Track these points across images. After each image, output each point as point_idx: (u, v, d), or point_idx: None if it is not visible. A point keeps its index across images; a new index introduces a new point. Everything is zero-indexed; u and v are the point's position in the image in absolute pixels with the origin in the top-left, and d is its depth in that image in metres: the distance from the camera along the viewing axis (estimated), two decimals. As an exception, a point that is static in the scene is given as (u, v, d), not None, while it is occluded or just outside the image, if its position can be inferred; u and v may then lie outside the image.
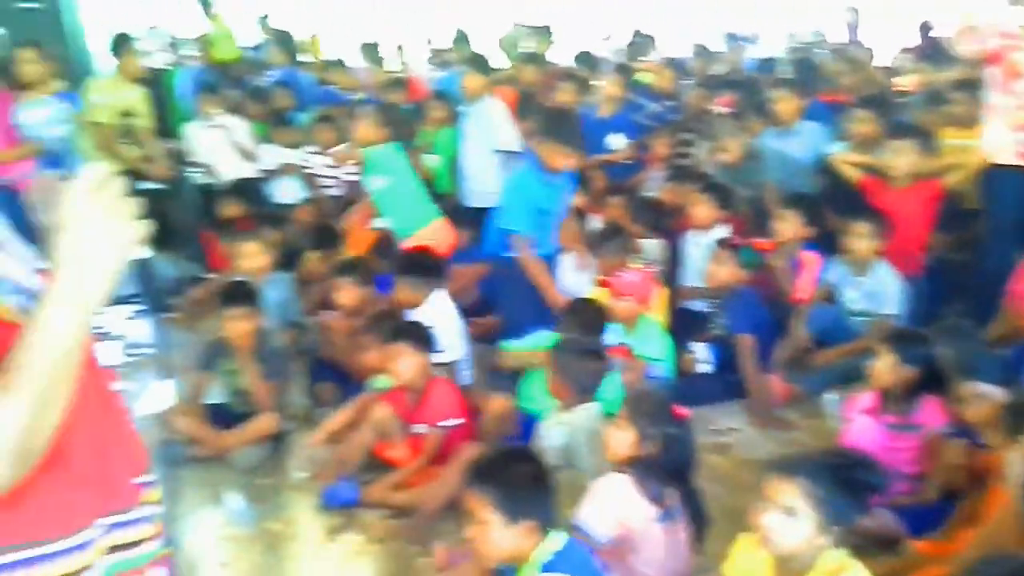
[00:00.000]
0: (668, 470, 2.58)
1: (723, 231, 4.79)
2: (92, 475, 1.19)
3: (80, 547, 1.15)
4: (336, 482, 3.43)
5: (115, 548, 1.21)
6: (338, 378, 4.25)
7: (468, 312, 4.63)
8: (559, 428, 3.32)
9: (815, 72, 7.13)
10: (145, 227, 1.11)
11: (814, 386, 4.11)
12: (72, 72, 6.65)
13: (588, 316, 3.89)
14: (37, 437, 1.04)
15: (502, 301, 4.73)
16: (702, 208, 4.87)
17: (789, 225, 4.56)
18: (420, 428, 3.48)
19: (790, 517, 2.09)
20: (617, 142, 6.10)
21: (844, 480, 2.11)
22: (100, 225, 1.07)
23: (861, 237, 4.34)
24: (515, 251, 4.29)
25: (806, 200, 4.74)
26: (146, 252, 1.14)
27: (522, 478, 2.27)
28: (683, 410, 2.69)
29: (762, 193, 5.33)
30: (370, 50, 9.20)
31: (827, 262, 4.52)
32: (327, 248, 5.28)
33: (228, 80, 8.03)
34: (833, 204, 4.82)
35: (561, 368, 3.37)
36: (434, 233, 4.99)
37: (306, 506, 3.44)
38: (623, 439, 2.62)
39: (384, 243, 5.05)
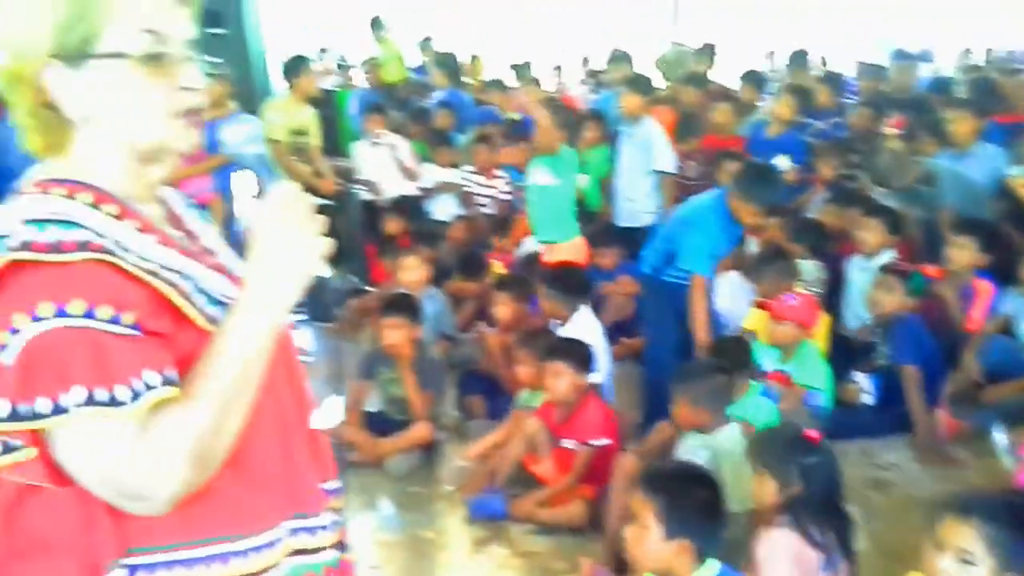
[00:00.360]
0: (817, 502, 2.49)
1: (889, 256, 4.59)
2: (280, 477, 1.23)
3: (268, 545, 1.19)
4: (483, 494, 3.49)
5: (298, 551, 1.25)
6: (488, 391, 4.33)
7: (616, 331, 4.64)
8: (701, 452, 3.25)
9: (993, 92, 6.73)
10: (330, 244, 1.17)
11: (985, 422, 3.86)
12: (254, 93, 7.08)
13: (729, 352, 3.79)
14: (218, 442, 1.09)
15: (650, 322, 4.70)
16: (868, 232, 4.68)
17: (963, 252, 4.32)
18: (568, 444, 3.50)
19: (966, 562, 1.97)
20: (783, 163, 5.95)
21: None
22: (291, 239, 1.13)
23: (1042, 266, 4.07)
24: (695, 292, 4.05)
25: (982, 226, 4.48)
26: (328, 268, 1.20)
27: (695, 499, 2.27)
28: (814, 434, 2.61)
29: (934, 217, 5.08)
30: (524, 70, 9.35)
31: (1003, 291, 4.26)
32: (471, 272, 5.41)
33: (393, 101, 8.36)
34: (1013, 230, 4.54)
35: (688, 394, 3.27)
36: (574, 249, 5.03)
37: (455, 516, 3.51)
38: (764, 489, 2.56)
39: (530, 261, 5.13)
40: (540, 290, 4.29)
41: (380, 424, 4.01)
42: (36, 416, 1.01)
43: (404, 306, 4.09)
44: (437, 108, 7.67)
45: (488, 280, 5.19)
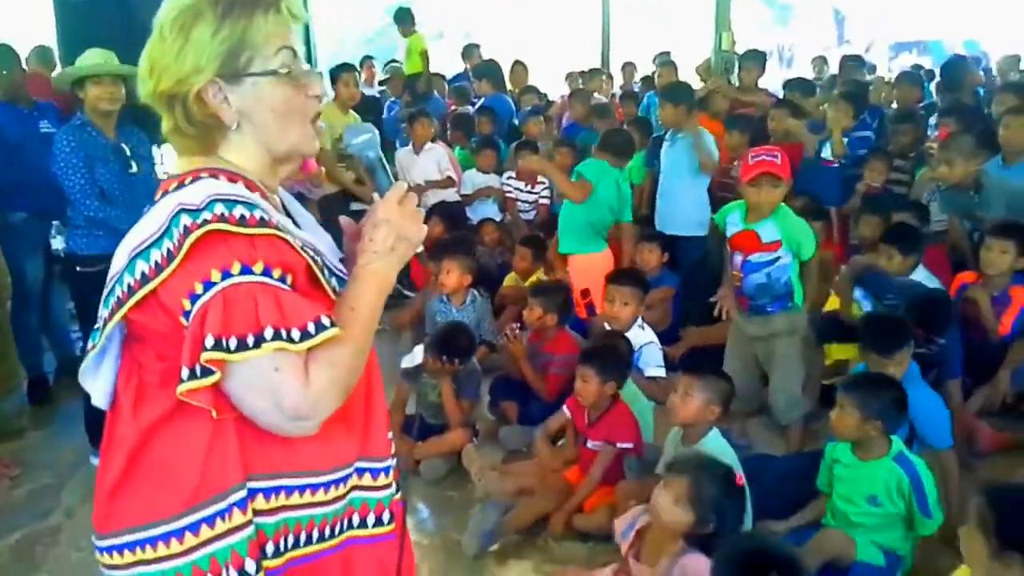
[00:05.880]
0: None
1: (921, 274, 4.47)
2: (361, 424, 1.49)
3: (343, 480, 1.45)
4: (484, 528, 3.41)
5: (358, 487, 1.49)
6: (522, 396, 4.37)
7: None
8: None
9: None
10: (426, 231, 1.50)
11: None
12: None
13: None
14: (354, 378, 1.37)
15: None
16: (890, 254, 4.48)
17: (1002, 256, 4.17)
18: (594, 444, 3.56)
19: None
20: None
21: None
22: (405, 226, 1.44)
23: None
24: None
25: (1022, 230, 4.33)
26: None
27: None
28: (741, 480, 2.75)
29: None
30: (572, 78, 9.39)
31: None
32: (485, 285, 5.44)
33: (416, 98, 8.50)
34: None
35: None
36: (603, 261, 5.04)
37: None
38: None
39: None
40: (609, 290, 4.30)
41: (416, 427, 4.09)
42: (240, 347, 1.24)
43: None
44: (479, 114, 7.73)
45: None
